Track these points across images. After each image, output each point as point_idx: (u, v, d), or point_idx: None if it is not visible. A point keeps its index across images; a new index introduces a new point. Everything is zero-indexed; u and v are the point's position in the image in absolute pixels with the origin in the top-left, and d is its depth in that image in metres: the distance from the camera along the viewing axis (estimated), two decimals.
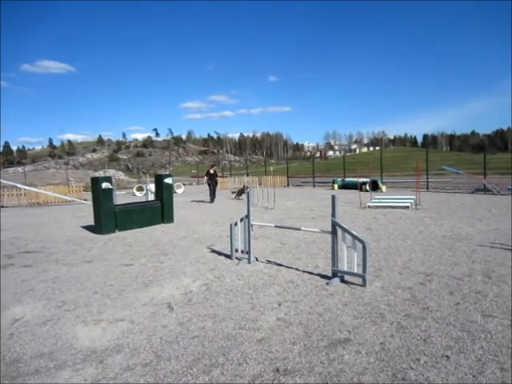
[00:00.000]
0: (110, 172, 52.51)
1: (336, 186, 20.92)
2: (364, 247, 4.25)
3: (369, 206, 11.76)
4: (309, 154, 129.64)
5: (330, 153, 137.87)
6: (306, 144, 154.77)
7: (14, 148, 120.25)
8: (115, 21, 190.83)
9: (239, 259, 5.63)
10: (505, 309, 3.60)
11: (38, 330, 3.48)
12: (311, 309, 3.77)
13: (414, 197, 11.87)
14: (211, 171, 15.96)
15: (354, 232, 4.45)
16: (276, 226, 5.93)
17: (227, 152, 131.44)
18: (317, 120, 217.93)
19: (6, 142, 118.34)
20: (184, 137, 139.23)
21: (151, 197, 14.73)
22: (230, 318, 3.59)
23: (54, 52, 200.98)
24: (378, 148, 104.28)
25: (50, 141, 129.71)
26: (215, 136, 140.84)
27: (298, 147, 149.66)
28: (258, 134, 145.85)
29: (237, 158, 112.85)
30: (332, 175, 30.75)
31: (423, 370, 2.61)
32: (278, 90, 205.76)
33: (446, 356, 2.78)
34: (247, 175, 29.29)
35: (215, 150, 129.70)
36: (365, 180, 18.07)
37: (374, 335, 3.15)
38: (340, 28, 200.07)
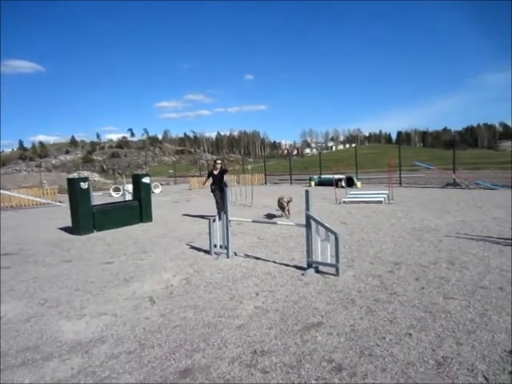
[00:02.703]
0: (85, 173, 51.42)
1: (313, 183, 21.32)
2: (336, 238, 4.50)
3: (344, 202, 12.13)
4: (286, 151, 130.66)
5: (307, 150, 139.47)
6: (283, 142, 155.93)
7: None
8: (87, 19, 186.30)
9: (218, 254, 5.79)
10: (465, 291, 3.91)
11: (21, 326, 3.56)
12: (287, 297, 3.98)
13: (387, 192, 12.32)
14: (214, 171, 9.71)
15: (326, 224, 4.69)
16: (253, 221, 6.13)
17: (204, 151, 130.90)
18: (293, 118, 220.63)
19: None
20: (160, 136, 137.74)
21: (128, 197, 14.66)
22: (210, 308, 3.76)
23: (23, 51, 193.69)
24: (353, 145, 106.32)
25: (21, 143, 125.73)
26: (192, 135, 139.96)
27: (275, 145, 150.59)
28: (236, 133, 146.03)
29: (214, 157, 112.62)
30: (309, 173, 31.29)
31: (388, 346, 2.86)
32: (255, 88, 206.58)
33: (409, 334, 3.04)
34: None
35: (192, 150, 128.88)
36: (340, 177, 18.52)
37: (344, 318, 3.39)
38: (314, 26, 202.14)
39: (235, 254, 5.81)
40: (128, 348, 3.01)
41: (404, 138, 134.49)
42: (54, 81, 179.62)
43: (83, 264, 5.78)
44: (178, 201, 16.62)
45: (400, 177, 19.43)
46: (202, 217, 10.16)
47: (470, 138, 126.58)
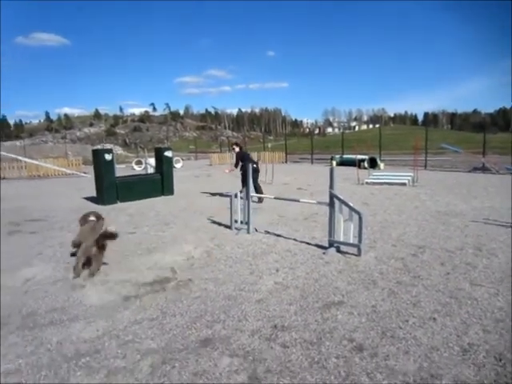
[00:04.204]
0: (108, 146, 52.27)
1: (334, 163, 20.97)
2: (360, 218, 4.42)
3: (366, 183, 11.92)
4: (307, 130, 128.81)
5: (329, 130, 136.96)
6: (304, 120, 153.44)
7: (12, 122, 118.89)
8: None
9: (239, 229, 5.80)
10: (493, 279, 3.79)
11: (49, 288, 3.69)
12: (307, 275, 3.96)
13: (411, 174, 12.01)
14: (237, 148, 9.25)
15: (350, 204, 4.60)
16: (275, 198, 6.08)
17: (225, 128, 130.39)
18: (316, 96, 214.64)
19: (3, 116, 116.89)
20: (182, 112, 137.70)
21: (150, 170, 14.84)
22: (230, 282, 3.79)
23: (48, 24, 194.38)
24: (377, 126, 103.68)
25: (47, 115, 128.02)
26: (213, 111, 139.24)
27: (296, 124, 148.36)
28: (257, 110, 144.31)
29: (235, 134, 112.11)
30: (330, 152, 30.78)
31: (411, 329, 2.81)
32: (277, 65, 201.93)
33: (433, 318, 2.98)
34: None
35: (213, 126, 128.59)
36: (363, 157, 18.16)
37: (366, 299, 3.35)
38: (338, 2, 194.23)
39: (255, 230, 5.81)
40: (150, 315, 3.08)
41: (431, 120, 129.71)
42: (78, 54, 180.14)
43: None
44: (199, 176, 16.72)
45: (426, 159, 18.88)
46: (221, 194, 10.17)
47: (501, 120, 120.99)
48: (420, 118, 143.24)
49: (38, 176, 17.96)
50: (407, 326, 2.85)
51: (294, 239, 5.36)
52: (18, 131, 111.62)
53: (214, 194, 10.35)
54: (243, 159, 8.91)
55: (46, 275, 4.05)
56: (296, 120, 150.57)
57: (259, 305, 3.25)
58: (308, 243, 5.15)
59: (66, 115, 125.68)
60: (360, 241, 4.50)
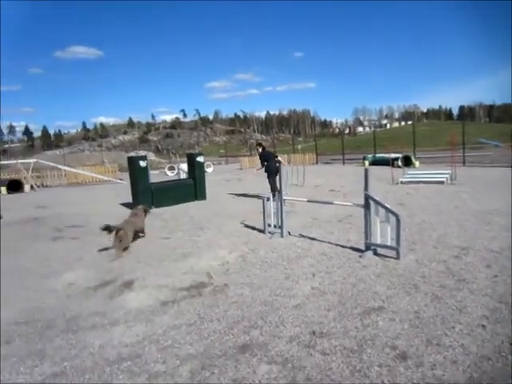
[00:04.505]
0: (142, 153, 53.78)
1: (367, 163, 20.52)
2: (398, 220, 4.27)
3: (401, 182, 11.57)
4: (337, 130, 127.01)
5: (360, 129, 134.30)
6: (334, 120, 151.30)
7: (51, 132, 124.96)
8: (138, 3, 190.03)
9: (272, 233, 5.77)
10: None
11: (90, 292, 3.80)
12: (345, 279, 3.87)
13: (449, 171, 11.54)
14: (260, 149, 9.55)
15: (387, 205, 4.46)
16: (308, 201, 6.00)
17: (254, 131, 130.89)
18: (345, 95, 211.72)
19: (44, 127, 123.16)
20: (211, 117, 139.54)
21: (183, 176, 15.10)
22: (265, 286, 3.76)
23: (83, 37, 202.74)
24: (410, 122, 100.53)
25: (84, 124, 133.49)
26: (242, 115, 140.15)
27: (325, 124, 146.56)
28: (285, 112, 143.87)
29: (264, 137, 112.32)
30: (362, 152, 30.18)
31: (458, 337, 2.67)
32: (304, 65, 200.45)
33: (482, 325, 2.81)
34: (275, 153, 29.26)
35: (242, 129, 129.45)
36: (397, 155, 17.65)
37: (408, 304, 3.22)
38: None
39: (289, 233, 5.76)
40: (188, 320, 3.10)
41: (467, 113, 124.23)
42: (111, 65, 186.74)
43: (143, 238, 6.05)
44: (230, 180, 16.83)
45: (463, 155, 18.09)
46: (245, 195, 10.18)
47: None
48: (455, 112, 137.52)
49: (76, 183, 18.73)
50: (454, 334, 2.71)
51: (329, 242, 5.26)
52: (58, 141, 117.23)
53: (238, 195, 10.71)
54: (267, 159, 9.25)
55: (87, 280, 4.19)
56: (325, 120, 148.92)
57: (296, 310, 3.20)
58: (343, 246, 5.03)
59: (101, 124, 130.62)
60: (398, 243, 4.35)
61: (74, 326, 3.11)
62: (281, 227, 5.65)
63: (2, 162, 27.26)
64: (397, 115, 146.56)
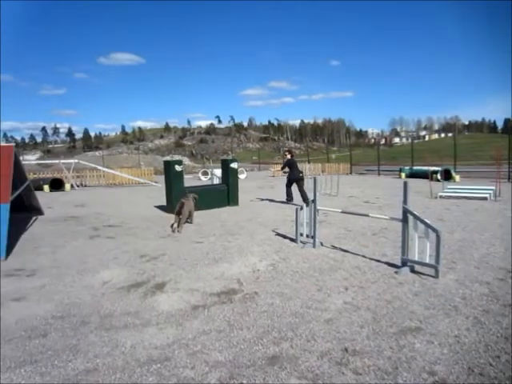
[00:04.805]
0: (176, 157, 55.02)
1: (403, 175, 19.95)
2: (438, 236, 4.08)
3: (440, 196, 11.12)
4: (373, 141, 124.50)
5: (396, 140, 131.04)
6: (369, 131, 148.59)
7: (92, 134, 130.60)
8: (177, 12, 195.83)
9: (304, 243, 5.68)
10: None
11: (124, 292, 3.88)
12: (379, 295, 3.73)
13: (492, 187, 10.98)
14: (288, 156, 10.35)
15: (427, 220, 4.28)
16: (343, 212, 5.87)
17: (287, 139, 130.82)
18: (382, 105, 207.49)
19: (86, 129, 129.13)
20: (245, 124, 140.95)
21: (216, 181, 15.27)
22: (296, 297, 3.69)
23: (125, 44, 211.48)
24: (450, 134, 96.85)
25: (123, 128, 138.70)
26: (275, 123, 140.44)
27: (361, 134, 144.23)
28: (319, 121, 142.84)
29: (297, 145, 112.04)
30: (398, 163, 29.36)
31: (504, 368, 2.48)
32: (341, 74, 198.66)
33: None
34: (308, 162, 29.05)
35: (275, 137, 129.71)
36: (436, 169, 17.03)
37: (447, 327, 3.05)
38: (402, 8, 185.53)
39: (321, 244, 5.65)
40: (218, 326, 3.08)
41: None
42: (152, 72, 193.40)
43: (176, 241, 6.14)
44: (263, 187, 16.85)
45: (509, 171, 17.18)
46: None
47: None
48: (500, 124, 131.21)
49: (114, 184, 19.38)
50: (499, 364, 2.53)
51: (363, 256, 5.11)
52: (98, 142, 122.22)
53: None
54: (291, 166, 10.06)
55: (121, 279, 4.28)
56: (360, 130, 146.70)
57: (328, 325, 3.11)
58: (378, 260, 4.87)
59: (139, 128, 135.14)
60: (438, 261, 4.15)
61: (108, 323, 3.17)
62: (313, 237, 5.56)
63: (46, 161, 28.70)
64: (436, 127, 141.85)
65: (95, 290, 3.97)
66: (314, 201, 5.51)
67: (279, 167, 26.26)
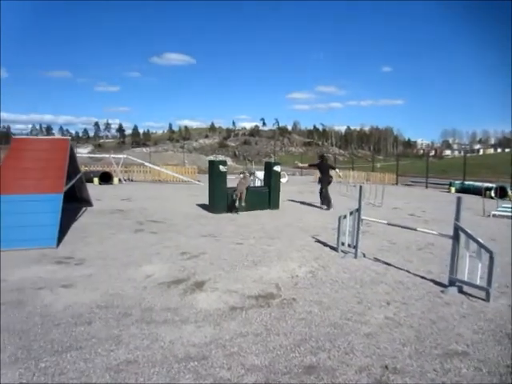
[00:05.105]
0: (220, 157, 55.97)
1: (453, 189, 18.98)
2: (491, 257, 3.83)
3: (493, 215, 10.45)
4: (422, 151, 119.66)
5: (447, 152, 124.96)
6: (419, 141, 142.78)
7: (141, 131, 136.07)
8: (228, 13, 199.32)
9: (345, 253, 5.56)
10: None
11: (164, 287, 3.99)
12: (423, 314, 3.56)
13: None
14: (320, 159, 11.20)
15: (480, 239, 4.03)
16: (389, 224, 5.67)
17: (332, 145, 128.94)
18: (434, 115, 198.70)
19: (135, 126, 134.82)
20: (290, 127, 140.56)
21: (257, 183, 15.33)
22: (335, 308, 3.61)
23: (178, 44, 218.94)
24: (508, 150, 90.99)
25: (170, 126, 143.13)
26: (321, 128, 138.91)
27: (409, 144, 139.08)
28: (366, 128, 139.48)
29: (341, 152, 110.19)
30: (448, 177, 27.99)
31: None
32: (392, 81, 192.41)
33: None
34: (352, 170, 28.45)
35: (320, 142, 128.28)
36: (490, 185, 16.04)
37: (498, 355, 2.85)
38: (460, 11, 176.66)
39: (363, 255, 5.50)
40: (255, 330, 3.08)
41: None
42: (201, 72, 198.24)
43: (216, 240, 6.24)
44: (303, 192, 16.70)
45: None
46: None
47: None
48: None
49: (158, 180, 20.04)
50: None
51: (407, 271, 4.91)
52: (146, 139, 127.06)
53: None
54: (320, 169, 10.71)
55: (163, 275, 4.41)
56: (409, 140, 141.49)
57: (368, 339, 3.01)
58: (423, 277, 4.66)
59: (185, 127, 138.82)
60: (489, 284, 3.89)
61: (148, 317, 3.27)
62: (355, 247, 5.43)
63: (97, 155, 30.27)
64: (492, 141, 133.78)
65: (137, 284, 4.11)
66: (358, 210, 5.38)
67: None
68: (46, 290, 3.88)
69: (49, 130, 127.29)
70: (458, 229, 4.19)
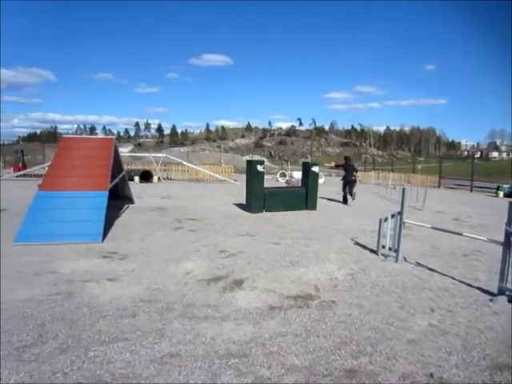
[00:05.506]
0: (256, 157, 56.19)
1: (501, 194, 17.98)
2: None
3: None
4: (466, 153, 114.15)
5: (495, 154, 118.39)
6: (463, 142, 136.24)
7: (179, 131, 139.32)
8: (265, 13, 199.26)
9: (386, 256, 5.42)
10: None
11: (204, 284, 4.07)
12: (470, 323, 3.41)
13: None
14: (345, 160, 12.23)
15: None
16: (432, 228, 5.47)
17: (370, 145, 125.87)
18: (480, 115, 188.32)
19: (174, 126, 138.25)
20: (327, 127, 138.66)
21: (293, 183, 15.28)
22: (376, 312, 3.53)
23: (216, 45, 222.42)
24: None
25: (207, 126, 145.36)
26: (359, 128, 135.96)
27: (453, 145, 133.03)
28: (407, 128, 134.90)
29: (380, 153, 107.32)
30: (495, 180, 26.54)
31: None
32: (436, 79, 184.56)
33: None
34: (392, 171, 27.66)
35: (357, 143, 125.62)
36: None
37: None
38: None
39: (405, 259, 5.33)
40: (294, 330, 3.08)
41: None
42: (238, 72, 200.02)
43: (254, 240, 6.28)
44: (341, 193, 16.40)
45: None
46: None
47: None
48: None
49: (196, 179, 20.43)
50: None
51: (452, 277, 4.71)
52: (184, 139, 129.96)
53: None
54: (346, 169, 11.78)
55: (202, 272, 4.50)
56: (453, 141, 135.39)
57: (411, 346, 2.92)
58: (469, 285, 4.45)
59: (222, 127, 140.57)
60: None
61: (190, 313, 3.35)
62: (396, 251, 5.27)
63: (137, 154, 31.35)
64: None
65: (178, 280, 4.22)
66: (400, 213, 5.23)
67: (360, 174, 25.49)
68: (93, 283, 4.07)
69: (92, 129, 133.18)
70: (509, 235, 3.97)
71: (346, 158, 12.43)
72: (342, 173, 12.65)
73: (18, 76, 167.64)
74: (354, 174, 11.77)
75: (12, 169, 19.59)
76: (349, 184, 11.74)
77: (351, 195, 11.59)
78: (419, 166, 29.11)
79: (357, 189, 11.92)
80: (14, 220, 6.54)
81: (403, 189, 5.29)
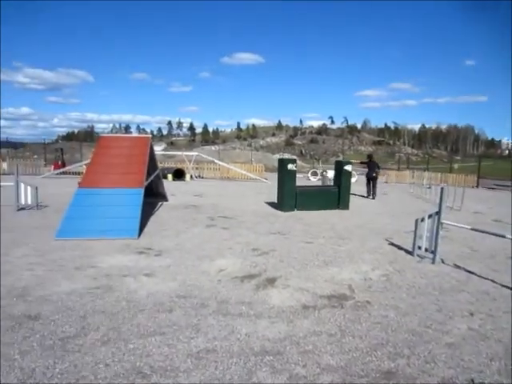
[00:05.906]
0: (287, 155, 55.96)
1: None
2: None
3: None
4: (507, 152, 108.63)
5: None
6: (504, 141, 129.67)
7: (210, 129, 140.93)
8: (296, 12, 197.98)
9: (422, 257, 5.28)
10: None
11: (238, 281, 4.12)
12: None
13: None
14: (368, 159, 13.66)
15: None
16: (472, 229, 5.27)
17: (404, 144, 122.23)
18: None
19: (205, 124, 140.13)
20: (359, 126, 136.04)
21: (325, 182, 15.10)
22: (413, 314, 3.45)
23: (249, 44, 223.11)
24: None
25: (238, 124, 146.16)
26: (392, 126, 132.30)
27: (492, 143, 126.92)
28: (443, 126, 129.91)
29: (414, 151, 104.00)
30: None
31: None
32: (476, 76, 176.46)
33: None
34: (427, 170, 26.75)
35: (391, 141, 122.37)
36: None
37: None
38: None
39: (442, 261, 5.17)
40: (329, 330, 3.07)
41: None
42: (270, 71, 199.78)
43: (285, 238, 6.28)
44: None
45: None
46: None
47: None
48: None
49: (227, 178, 20.63)
50: None
51: (492, 280, 4.52)
52: (215, 137, 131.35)
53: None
54: (369, 167, 13.00)
55: (235, 269, 4.56)
56: (493, 139, 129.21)
57: (450, 349, 2.84)
58: None
59: (253, 125, 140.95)
60: None
61: (224, 309, 3.41)
62: (433, 252, 5.12)
63: (170, 152, 32.05)
64: None
65: (212, 277, 4.30)
66: (438, 213, 5.07)
67: (394, 173, 24.87)
68: (130, 278, 4.21)
69: (127, 128, 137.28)
70: None
71: (369, 156, 13.82)
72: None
73: (58, 77, 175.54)
74: (376, 170, 12.86)
75: (52, 167, 20.57)
76: (371, 180, 12.87)
77: (374, 194, 12.71)
78: (456, 165, 27.97)
79: (390, 187, 11.71)
80: (56, 216, 6.87)
81: (442, 188, 5.13)
